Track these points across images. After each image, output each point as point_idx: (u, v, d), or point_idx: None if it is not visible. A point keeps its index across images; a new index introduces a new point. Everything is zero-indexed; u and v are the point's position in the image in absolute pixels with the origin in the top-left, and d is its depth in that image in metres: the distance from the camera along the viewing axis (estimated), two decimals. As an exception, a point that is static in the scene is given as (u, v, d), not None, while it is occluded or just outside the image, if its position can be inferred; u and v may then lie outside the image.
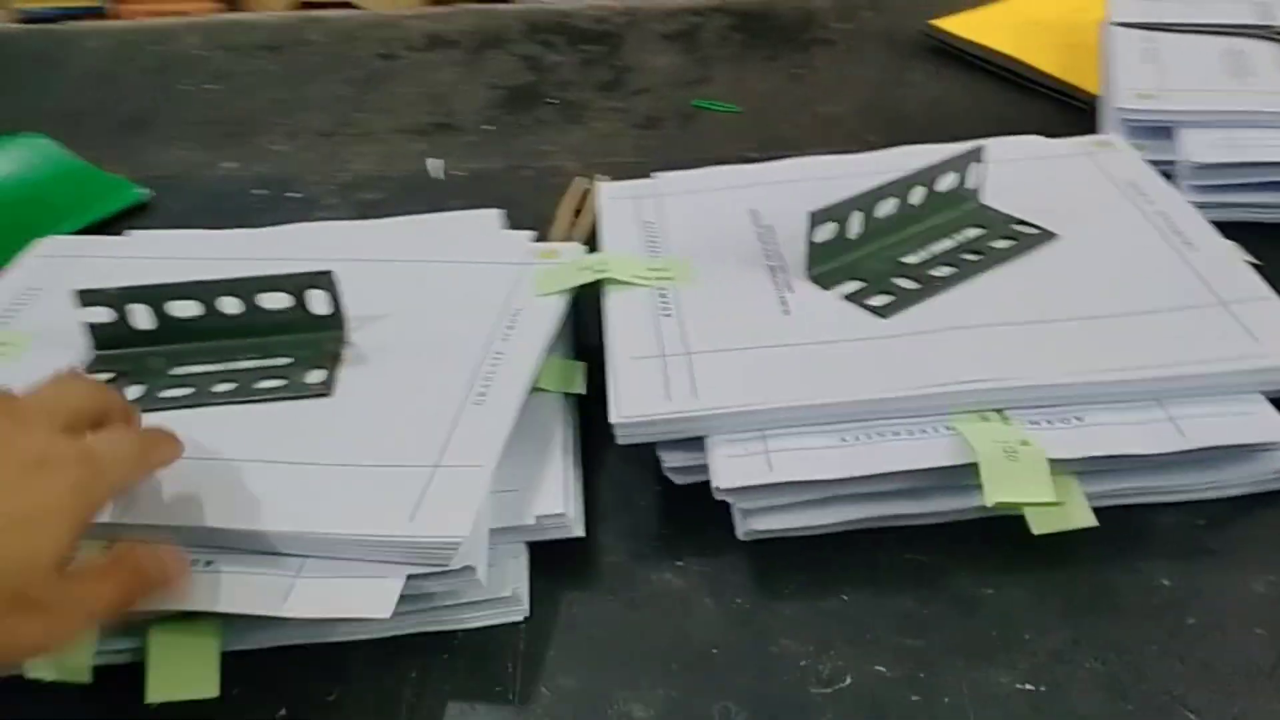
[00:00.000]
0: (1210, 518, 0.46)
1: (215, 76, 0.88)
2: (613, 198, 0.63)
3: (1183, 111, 0.65)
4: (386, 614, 0.39)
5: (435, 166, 0.75)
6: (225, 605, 0.40)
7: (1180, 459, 0.45)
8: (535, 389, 0.50)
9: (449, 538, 0.40)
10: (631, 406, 0.47)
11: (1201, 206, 0.61)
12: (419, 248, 0.60)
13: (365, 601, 0.40)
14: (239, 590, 0.41)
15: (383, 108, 0.83)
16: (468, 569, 0.41)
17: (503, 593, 0.43)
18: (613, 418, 0.47)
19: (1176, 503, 0.46)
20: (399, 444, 0.45)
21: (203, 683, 0.40)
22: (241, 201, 0.72)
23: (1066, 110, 0.75)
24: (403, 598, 0.40)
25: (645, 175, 0.66)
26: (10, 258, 0.63)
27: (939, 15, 0.87)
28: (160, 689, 0.40)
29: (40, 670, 0.40)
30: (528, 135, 0.78)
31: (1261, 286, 0.51)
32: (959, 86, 0.80)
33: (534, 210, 0.68)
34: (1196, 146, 0.63)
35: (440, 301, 0.55)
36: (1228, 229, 0.59)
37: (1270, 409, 0.46)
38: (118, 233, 0.64)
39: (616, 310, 0.53)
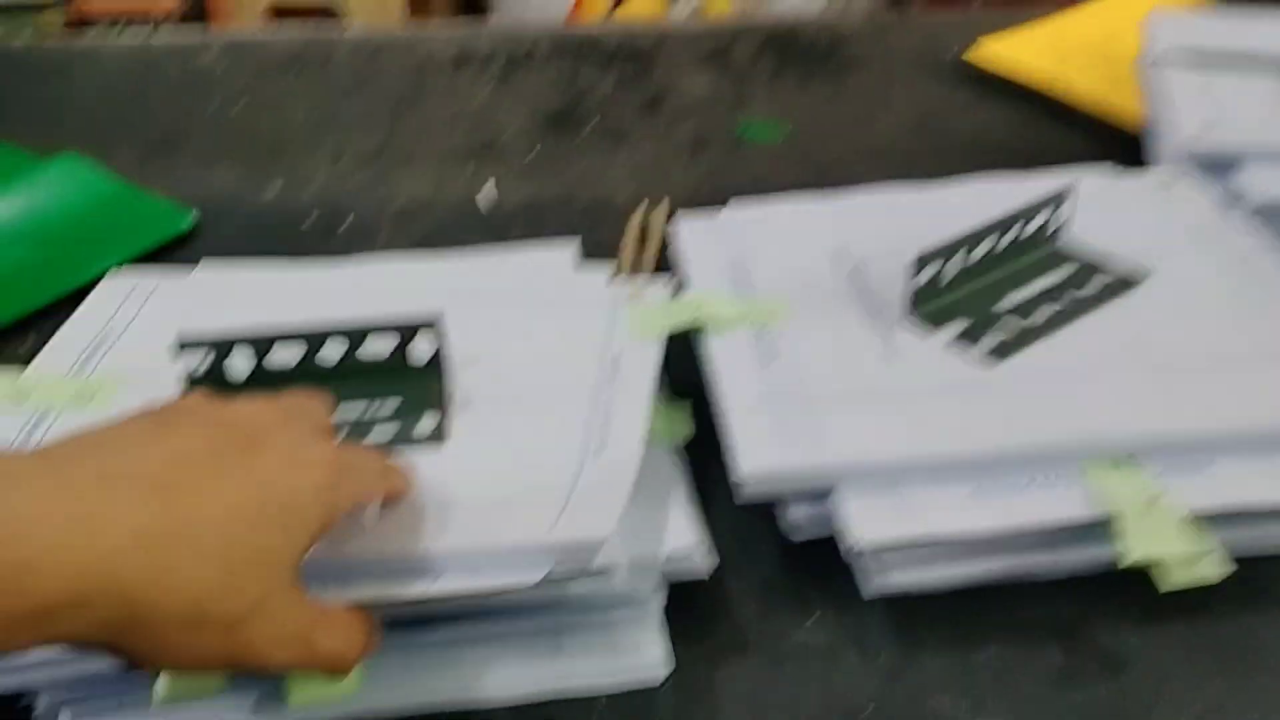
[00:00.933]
0: (1333, 565, 0.46)
1: (242, 96, 0.86)
2: (693, 232, 0.62)
3: (1249, 145, 0.66)
4: (534, 580, 0.39)
5: (487, 195, 0.73)
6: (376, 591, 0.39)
7: (1308, 509, 0.45)
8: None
9: (593, 536, 0.40)
10: (756, 461, 0.46)
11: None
12: (503, 286, 0.59)
13: (513, 575, 0.39)
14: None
15: (421, 129, 0.81)
16: (607, 572, 0.41)
17: (642, 647, 0.43)
18: (738, 475, 0.46)
19: (1294, 552, 0.47)
20: (523, 499, 0.44)
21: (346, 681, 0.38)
22: (293, 229, 0.70)
23: (1111, 138, 0.76)
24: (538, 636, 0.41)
25: (699, 203, 0.66)
26: (62, 288, 0.61)
27: (965, 36, 0.87)
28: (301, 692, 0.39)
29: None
30: (574, 161, 0.77)
31: (1365, 331, 0.51)
32: (999, 112, 0.80)
33: (593, 239, 0.67)
34: (1259, 181, 0.64)
35: (535, 345, 0.54)
36: None
37: (1392, 457, 0.47)
38: (171, 262, 0.62)
39: (720, 356, 0.52)
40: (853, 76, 0.86)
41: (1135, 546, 0.43)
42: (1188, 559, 0.43)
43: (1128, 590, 0.45)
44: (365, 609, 0.38)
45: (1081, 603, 0.45)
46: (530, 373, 0.52)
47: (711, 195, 0.68)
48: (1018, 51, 0.86)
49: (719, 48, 0.91)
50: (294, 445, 0.37)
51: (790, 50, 0.90)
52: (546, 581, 0.40)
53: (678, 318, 0.54)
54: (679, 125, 0.81)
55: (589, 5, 1.91)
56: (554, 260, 0.62)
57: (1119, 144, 0.74)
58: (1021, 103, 0.82)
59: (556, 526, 0.41)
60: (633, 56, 0.90)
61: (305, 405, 0.42)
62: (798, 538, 0.47)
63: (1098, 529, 0.44)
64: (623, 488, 0.44)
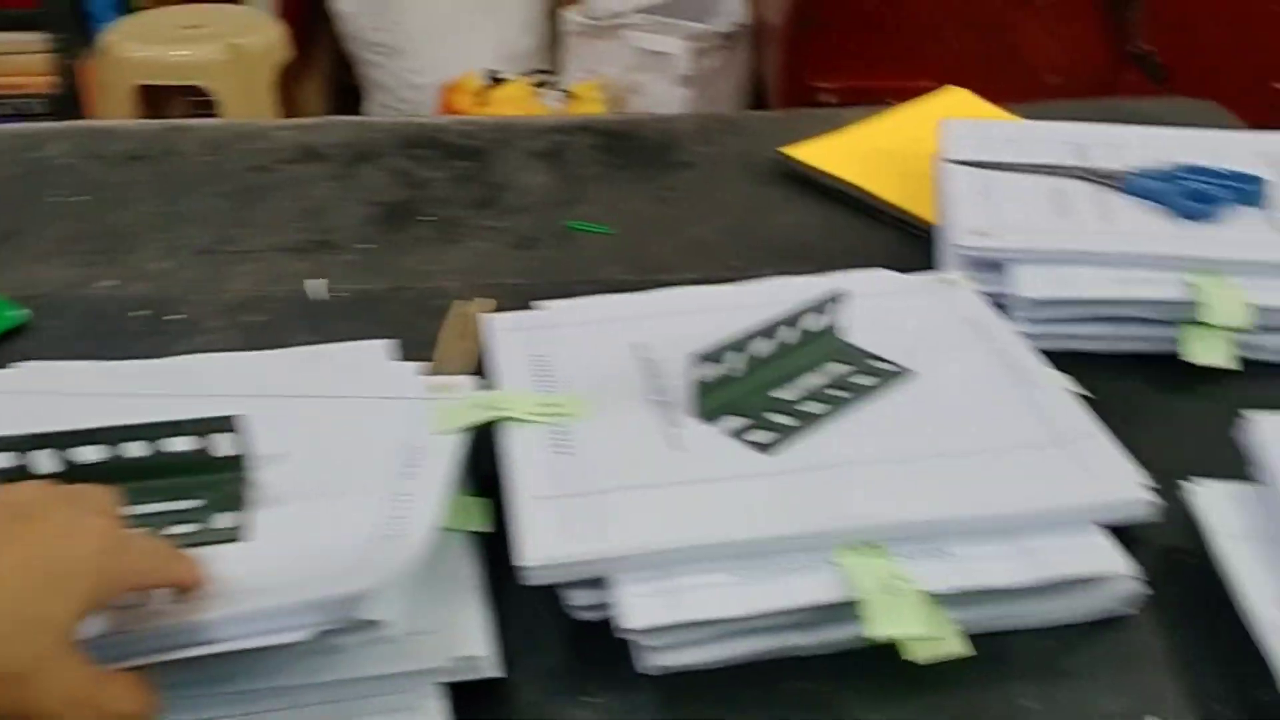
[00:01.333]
0: (1064, 642, 0.51)
1: (86, 187, 0.87)
2: (502, 329, 0.65)
3: (1015, 250, 0.72)
4: (302, 635, 0.43)
5: (316, 288, 0.76)
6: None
7: (1034, 589, 0.50)
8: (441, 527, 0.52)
9: (358, 589, 0.43)
10: (539, 550, 0.50)
11: (1033, 338, 0.69)
12: (312, 382, 0.62)
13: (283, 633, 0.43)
14: None
15: (260, 224, 0.84)
16: (380, 625, 0.44)
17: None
18: (521, 562, 0.49)
19: (1034, 629, 0.51)
20: (311, 591, 0.47)
21: None
22: (122, 323, 0.72)
23: (909, 239, 0.82)
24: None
25: (526, 297, 0.70)
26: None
27: (792, 141, 0.93)
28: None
29: None
30: (407, 254, 0.81)
31: (1091, 425, 0.57)
32: (813, 213, 0.86)
33: (420, 332, 0.71)
34: (1029, 282, 0.70)
35: (340, 440, 0.57)
36: (1058, 358, 0.66)
37: (1105, 541, 0.52)
38: (2, 358, 0.64)
39: (515, 449, 0.55)
40: (680, 175, 0.91)
41: (878, 626, 0.48)
42: (928, 637, 0.48)
43: (876, 667, 0.49)
44: (146, 672, 0.41)
45: (838, 677, 0.49)
46: (332, 467, 0.55)
47: (538, 290, 0.72)
48: (830, 155, 0.92)
49: (556, 145, 0.95)
50: (70, 518, 0.40)
51: (625, 148, 0.95)
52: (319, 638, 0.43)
53: (478, 413, 0.57)
54: (511, 220, 0.85)
55: (458, 100, 1.96)
56: (368, 356, 0.65)
57: (918, 244, 0.80)
58: (832, 204, 0.87)
59: (325, 587, 0.44)
60: (472, 153, 0.94)
61: (86, 490, 0.44)
62: (583, 618, 0.51)
63: (851, 612, 0.49)
64: (401, 559, 0.47)
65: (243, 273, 0.78)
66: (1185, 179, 0.77)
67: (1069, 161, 0.82)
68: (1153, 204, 0.76)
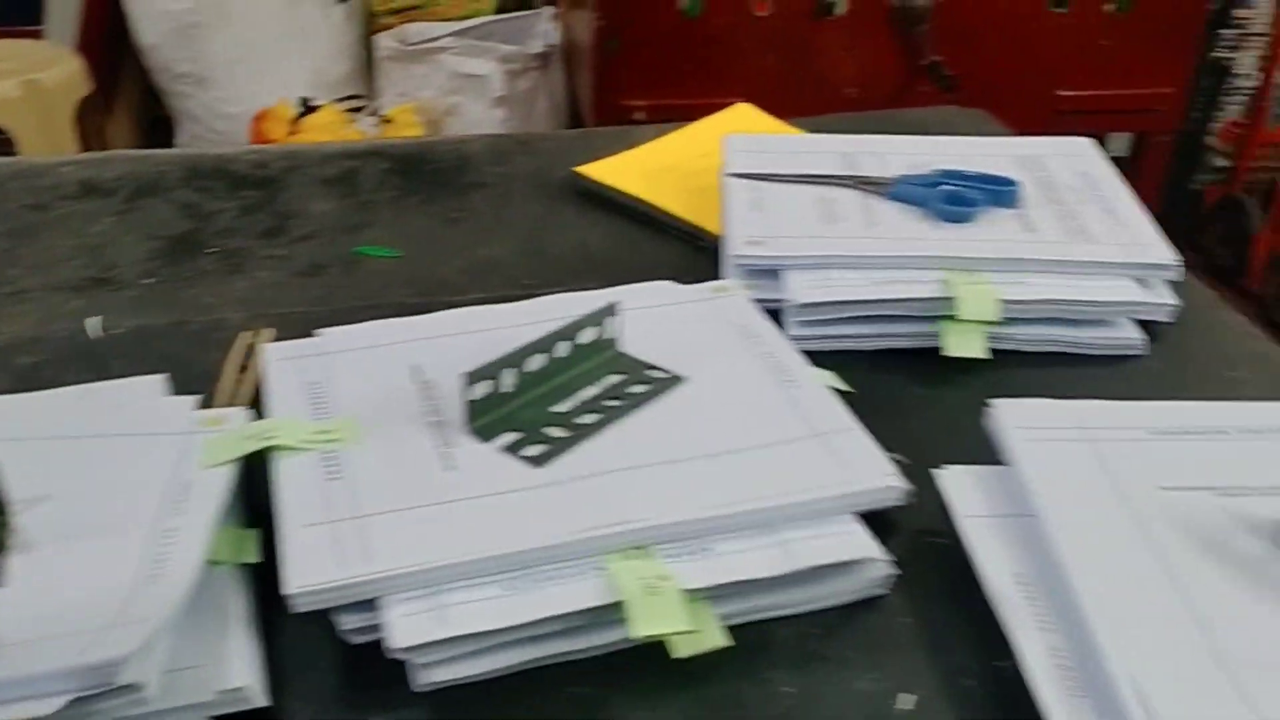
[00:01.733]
0: (824, 627, 0.53)
1: None
2: (279, 359, 0.65)
3: (785, 257, 0.75)
4: (56, 706, 0.42)
5: (93, 325, 0.74)
6: None
7: (792, 578, 0.52)
8: (209, 561, 0.52)
9: (117, 655, 0.43)
10: (304, 576, 0.50)
11: (806, 339, 0.72)
12: (81, 422, 0.60)
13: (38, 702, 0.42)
14: None
15: (36, 263, 0.81)
16: (138, 689, 0.43)
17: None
18: (286, 589, 0.49)
19: (795, 615, 0.54)
20: (70, 632, 0.46)
21: None
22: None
23: (697, 251, 0.84)
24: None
25: (310, 325, 0.69)
26: None
27: (585, 160, 0.95)
28: None
29: None
30: (190, 288, 0.79)
31: (848, 418, 0.60)
32: (603, 229, 0.88)
33: (201, 367, 0.70)
34: (797, 287, 0.73)
35: (107, 479, 0.56)
36: (828, 357, 0.69)
37: (860, 528, 0.55)
38: None
39: (285, 477, 0.55)
40: (472, 197, 0.92)
41: (640, 626, 0.49)
42: (691, 632, 0.50)
43: (645, 667, 0.50)
44: None
45: (602, 683, 0.50)
46: (98, 507, 0.54)
47: (323, 318, 0.71)
48: (620, 172, 0.94)
49: (347, 171, 0.95)
50: None
51: (417, 172, 0.96)
52: (72, 705, 0.42)
53: (248, 444, 0.57)
54: (298, 249, 0.84)
55: (269, 128, 1.93)
56: (140, 392, 0.64)
57: (706, 257, 0.83)
58: (623, 220, 0.90)
59: (85, 651, 0.43)
60: (261, 182, 0.93)
61: None
62: (355, 641, 0.51)
63: (616, 615, 0.50)
64: (164, 610, 0.46)
65: (16, 314, 0.76)
66: (944, 184, 0.81)
67: (840, 171, 0.85)
68: (914, 208, 0.80)
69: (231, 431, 0.58)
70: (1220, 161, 2.62)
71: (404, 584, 0.50)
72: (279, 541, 0.52)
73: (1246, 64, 2.56)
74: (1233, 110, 2.59)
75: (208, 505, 0.53)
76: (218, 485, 0.55)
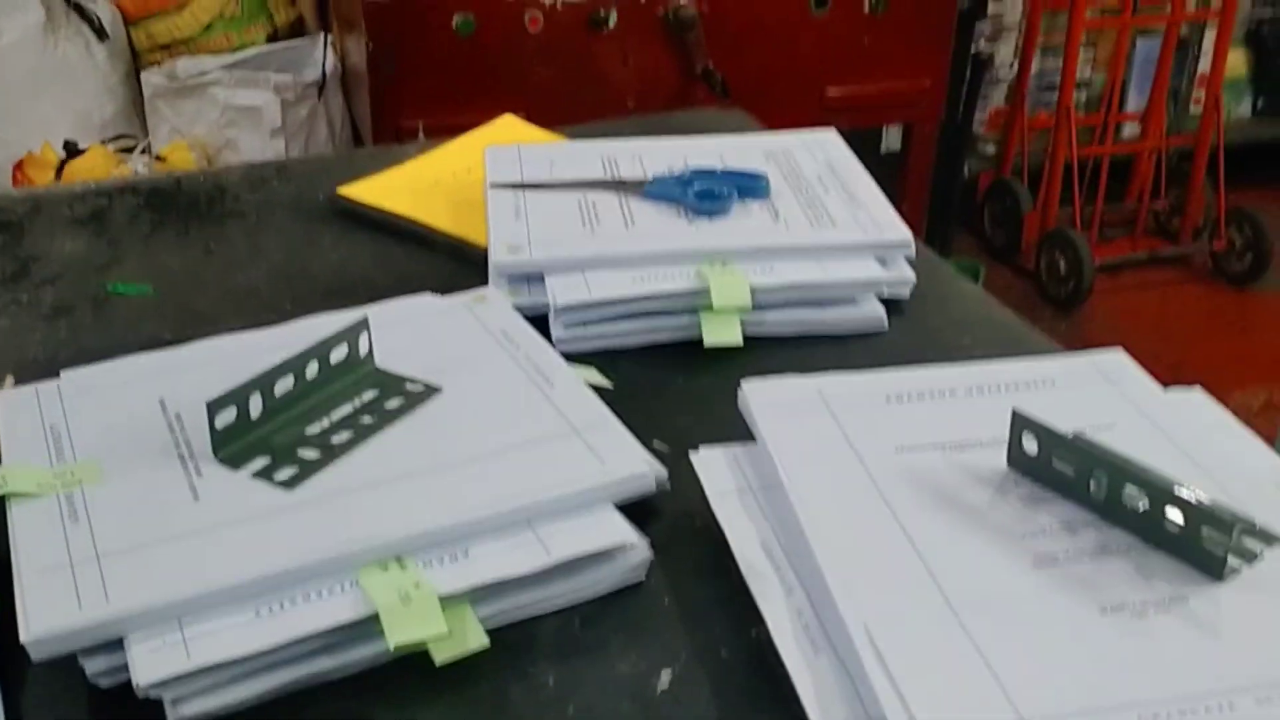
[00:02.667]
0: (584, 617, 0.54)
1: None
2: (13, 405, 0.62)
3: (545, 261, 0.76)
4: None
5: None
6: None
7: (551, 573, 0.53)
8: (-63, 621, 0.49)
9: None
10: (41, 623, 0.48)
11: (571, 340, 0.73)
12: None
13: None
14: None
15: None
16: None
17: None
18: (23, 637, 0.47)
19: (559, 609, 0.54)
20: None
21: None
22: None
23: (464, 265, 0.84)
24: None
25: (55, 369, 0.67)
26: None
27: (347, 181, 0.94)
28: None
29: None
30: (-77, 341, 0.75)
31: (604, 412, 0.61)
32: (366, 249, 0.87)
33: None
34: (558, 290, 0.74)
35: None
36: (594, 357, 0.70)
37: (616, 515, 0.56)
38: None
39: (19, 524, 0.53)
40: (228, 226, 0.90)
41: (395, 634, 0.49)
42: (449, 637, 0.50)
43: (410, 676, 0.50)
44: None
45: (368, 698, 0.50)
46: None
47: (70, 359, 0.69)
48: (383, 190, 0.93)
49: (97, 209, 0.92)
50: None
51: (171, 205, 0.93)
52: None
53: (-24, 494, 0.54)
54: (43, 292, 0.81)
55: (33, 174, 1.84)
56: None
57: (473, 269, 0.83)
58: (387, 238, 0.89)
59: None
60: (3, 227, 0.89)
61: None
62: (105, 686, 0.49)
63: (375, 628, 0.50)
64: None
65: None
66: (695, 181, 0.83)
67: (599, 175, 0.87)
68: (670, 206, 0.83)
69: (-42, 484, 0.55)
70: (988, 149, 2.77)
71: (147, 619, 0.48)
72: (16, 589, 0.50)
73: (1004, 55, 2.72)
74: (996, 100, 2.75)
75: (-68, 562, 0.51)
76: (-56, 540, 0.52)
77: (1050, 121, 2.59)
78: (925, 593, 0.49)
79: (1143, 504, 0.52)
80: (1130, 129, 2.75)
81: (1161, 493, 0.51)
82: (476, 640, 0.51)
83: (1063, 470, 0.54)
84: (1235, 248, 2.65)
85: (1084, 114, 2.66)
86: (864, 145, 0.93)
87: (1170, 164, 2.70)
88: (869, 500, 0.54)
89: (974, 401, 0.62)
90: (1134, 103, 2.76)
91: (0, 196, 0.94)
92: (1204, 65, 2.79)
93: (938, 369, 0.65)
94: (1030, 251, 2.63)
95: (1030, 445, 0.55)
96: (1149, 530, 0.52)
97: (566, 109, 1.13)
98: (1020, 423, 0.55)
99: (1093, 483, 0.53)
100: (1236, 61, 2.83)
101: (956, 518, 0.54)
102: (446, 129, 1.21)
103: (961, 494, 0.55)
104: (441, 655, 0.50)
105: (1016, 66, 2.68)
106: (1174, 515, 0.51)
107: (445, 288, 0.75)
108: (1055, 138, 2.54)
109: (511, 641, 0.52)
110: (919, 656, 0.46)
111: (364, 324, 0.65)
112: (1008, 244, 2.69)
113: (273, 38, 2.17)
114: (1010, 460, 0.57)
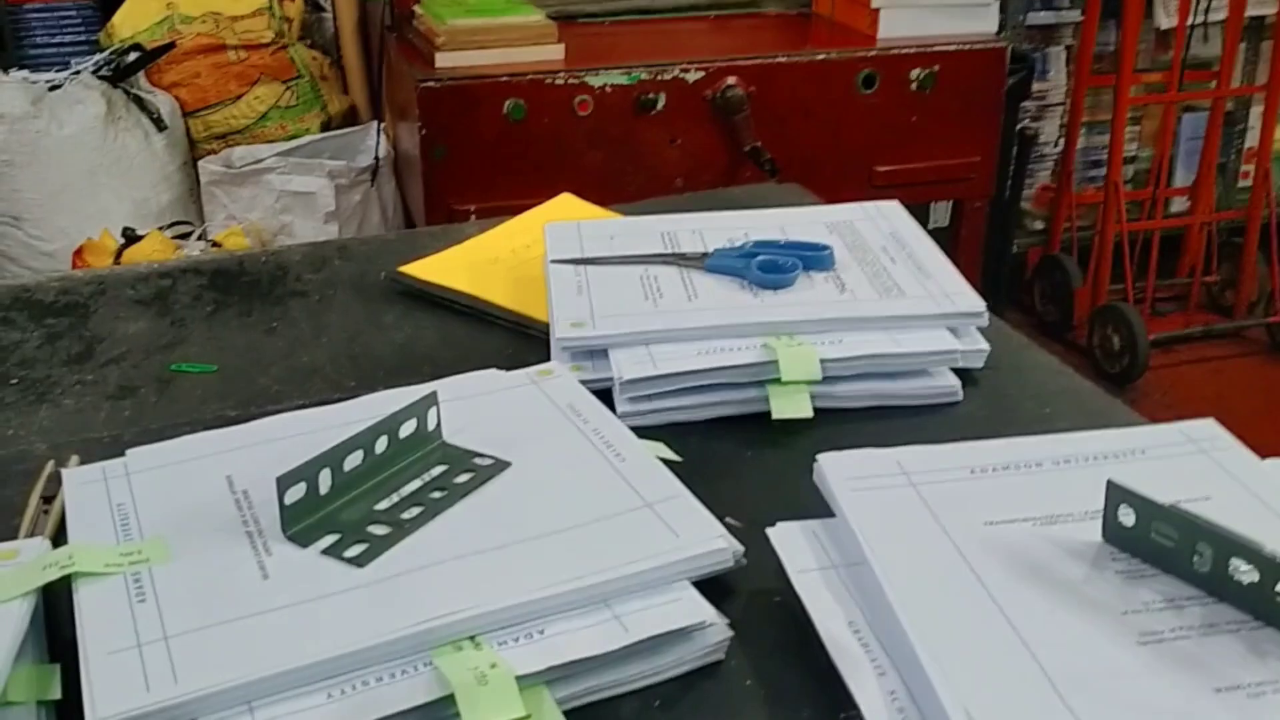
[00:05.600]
0: (664, 698, 0.52)
1: None
2: (80, 483, 0.62)
3: (609, 336, 0.75)
4: None
5: (-121, 470, 0.70)
6: None
7: (628, 652, 0.51)
8: (5, 703, 0.48)
9: None
10: (109, 706, 0.46)
11: (636, 415, 0.72)
12: None
13: None
14: None
15: None
16: None
17: None
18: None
19: (635, 690, 0.52)
20: None
21: None
22: None
23: (526, 340, 0.84)
24: None
25: (120, 449, 0.66)
26: None
27: (404, 260, 0.94)
28: None
29: None
30: (-11, 422, 0.75)
31: (676, 485, 0.60)
32: (427, 327, 0.87)
33: (2, 501, 0.66)
34: (623, 364, 0.73)
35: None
36: (658, 430, 0.69)
37: (694, 593, 0.54)
38: None
39: (86, 604, 0.52)
40: (290, 305, 0.90)
41: (472, 716, 0.47)
42: (527, 719, 0.48)
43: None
44: None
45: (444, 780, 0.48)
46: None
47: (135, 439, 0.68)
48: (443, 269, 0.93)
49: (160, 290, 0.92)
50: None
51: (233, 285, 0.93)
52: None
53: (45, 574, 0.54)
54: (107, 372, 0.81)
55: (93, 261, 1.87)
56: (-72, 533, 0.59)
57: (535, 345, 0.82)
58: (448, 315, 0.89)
59: None
60: (67, 308, 0.89)
61: None
62: (171, 774, 0.48)
63: (449, 710, 0.48)
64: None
65: None
66: (758, 253, 0.83)
67: (659, 250, 0.86)
68: (733, 279, 0.82)
69: (25, 564, 0.55)
70: (1037, 224, 2.76)
71: (218, 703, 0.47)
72: (83, 670, 0.48)
73: (1050, 132, 2.72)
74: (1042, 176, 2.75)
75: (2, 643, 0.50)
76: (10, 622, 0.51)
77: (1097, 197, 2.58)
78: (1026, 673, 0.47)
79: (1251, 578, 0.49)
80: (1179, 203, 2.73)
81: (1272, 566, 0.48)
82: (554, 723, 0.49)
83: (1162, 543, 0.52)
84: (1292, 322, 2.61)
85: (1132, 189, 2.64)
86: (911, 222, 0.92)
87: (1221, 238, 2.67)
88: (960, 577, 0.52)
89: (1062, 473, 0.59)
90: (1181, 177, 2.74)
91: (65, 278, 0.95)
92: (1251, 139, 2.77)
93: (1021, 440, 0.63)
94: (1082, 327, 2.59)
95: (1127, 517, 0.53)
96: (1259, 605, 0.49)
97: (616, 190, 1.13)
98: (1116, 494, 0.53)
99: (1196, 556, 0.51)
100: (1284, 135, 2.81)
101: (1053, 594, 0.51)
102: (498, 211, 1.22)
103: (1056, 569, 0.53)
104: (518, 739, 0.48)
105: (1062, 143, 2.67)
106: (1286, 589, 0.48)
107: (508, 364, 0.74)
108: (1104, 213, 2.52)
109: (590, 726, 0.50)
110: (1024, 741, 0.44)
111: (433, 398, 0.64)
112: (1059, 320, 2.66)
113: (326, 126, 2.21)
114: (1106, 534, 0.54)
